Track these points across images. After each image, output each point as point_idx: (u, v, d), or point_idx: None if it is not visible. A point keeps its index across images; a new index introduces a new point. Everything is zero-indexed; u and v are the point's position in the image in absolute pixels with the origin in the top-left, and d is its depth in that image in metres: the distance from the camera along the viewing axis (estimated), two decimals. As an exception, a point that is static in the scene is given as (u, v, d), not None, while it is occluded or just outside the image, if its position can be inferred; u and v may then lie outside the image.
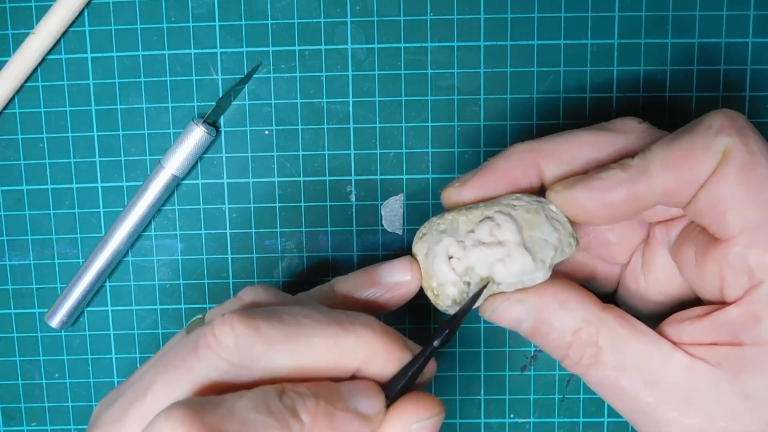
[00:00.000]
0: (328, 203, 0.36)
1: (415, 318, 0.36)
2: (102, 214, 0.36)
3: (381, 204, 0.36)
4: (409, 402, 0.25)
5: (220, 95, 0.35)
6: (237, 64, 0.35)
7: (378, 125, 0.35)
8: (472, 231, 0.27)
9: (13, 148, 0.36)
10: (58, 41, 0.35)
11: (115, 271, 0.36)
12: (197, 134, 0.34)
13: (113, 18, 0.35)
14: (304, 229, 0.36)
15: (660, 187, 0.25)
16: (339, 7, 0.35)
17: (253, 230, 0.36)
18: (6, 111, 0.36)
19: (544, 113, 0.35)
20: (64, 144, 0.36)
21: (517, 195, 0.28)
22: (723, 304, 0.25)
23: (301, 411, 0.23)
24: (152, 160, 0.36)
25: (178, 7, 0.35)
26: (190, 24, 0.35)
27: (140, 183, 0.35)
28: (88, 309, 0.37)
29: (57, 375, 0.37)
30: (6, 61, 0.35)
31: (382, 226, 0.36)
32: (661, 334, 0.26)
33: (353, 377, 0.26)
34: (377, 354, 0.25)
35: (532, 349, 0.36)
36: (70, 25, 0.35)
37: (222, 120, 0.35)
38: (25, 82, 0.35)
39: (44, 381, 0.37)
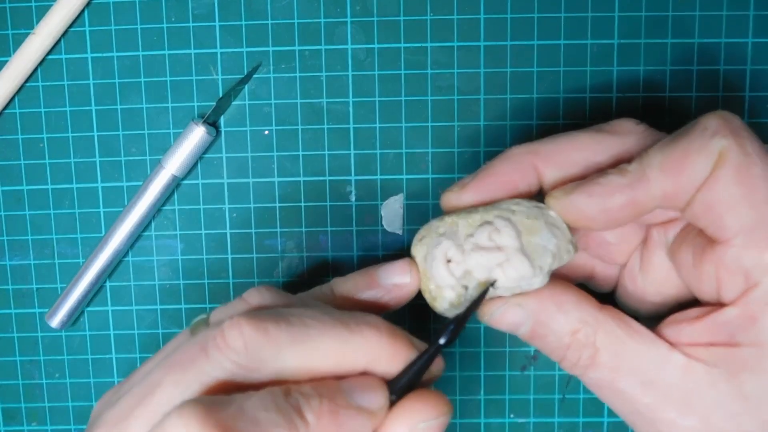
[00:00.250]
0: (328, 203, 0.36)
1: (415, 318, 0.36)
2: (102, 214, 0.36)
3: (381, 204, 0.36)
4: (416, 400, 0.25)
5: (220, 95, 0.35)
6: (237, 64, 0.35)
7: (378, 125, 0.35)
8: (471, 235, 0.27)
9: (13, 148, 0.36)
10: (58, 41, 0.35)
11: (115, 271, 0.36)
12: (197, 134, 0.34)
13: (113, 18, 0.35)
14: (304, 229, 0.36)
15: (658, 192, 0.25)
16: (339, 7, 0.35)
17: (253, 230, 0.36)
18: (6, 111, 0.36)
19: (544, 113, 0.35)
20: (64, 144, 0.36)
21: (517, 200, 0.28)
22: (720, 305, 0.25)
23: (306, 411, 0.23)
24: (152, 160, 0.36)
25: (178, 7, 0.35)
26: (190, 24, 0.35)
27: (140, 183, 0.35)
28: (89, 309, 0.37)
29: (57, 375, 0.37)
30: (6, 61, 0.35)
31: (382, 226, 0.36)
32: (659, 335, 0.26)
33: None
34: (384, 354, 0.25)
35: (532, 349, 0.36)
36: (71, 25, 0.35)
37: (222, 120, 0.35)
38: (25, 82, 0.35)
39: (44, 381, 0.37)
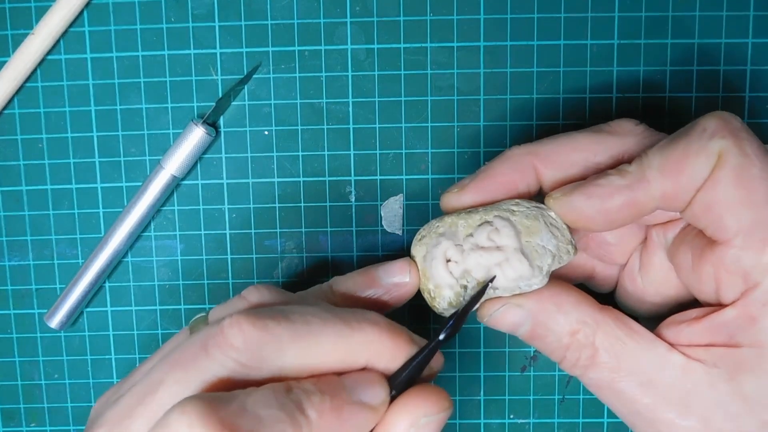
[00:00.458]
0: (327, 203, 0.36)
1: (414, 318, 0.36)
2: (101, 214, 0.36)
3: (381, 204, 0.36)
4: (417, 395, 0.25)
5: (220, 95, 0.35)
6: (237, 65, 0.35)
7: (378, 125, 0.35)
8: (471, 235, 0.27)
9: (12, 148, 0.36)
10: (57, 42, 0.35)
11: (114, 271, 0.36)
12: (197, 134, 0.34)
13: (113, 18, 0.35)
14: (303, 230, 0.36)
15: (658, 193, 0.25)
16: (339, 7, 0.35)
17: (253, 231, 0.36)
18: (6, 111, 0.36)
19: (543, 114, 0.35)
20: (64, 144, 0.36)
21: (517, 200, 0.28)
22: (719, 305, 0.25)
23: (307, 407, 0.23)
24: (152, 160, 0.36)
25: (178, 8, 0.35)
26: (190, 24, 0.35)
27: (140, 183, 0.35)
28: (88, 309, 0.37)
29: (56, 375, 0.37)
30: (5, 62, 0.35)
31: (382, 226, 0.36)
32: (659, 335, 0.26)
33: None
34: (384, 350, 0.25)
35: (532, 349, 0.36)
36: (70, 26, 0.35)
37: (222, 120, 0.35)
38: (25, 82, 0.35)
39: (43, 381, 0.37)
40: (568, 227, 0.27)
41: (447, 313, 0.28)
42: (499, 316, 0.28)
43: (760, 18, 0.34)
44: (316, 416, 0.23)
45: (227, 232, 0.36)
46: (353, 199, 0.36)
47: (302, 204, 0.36)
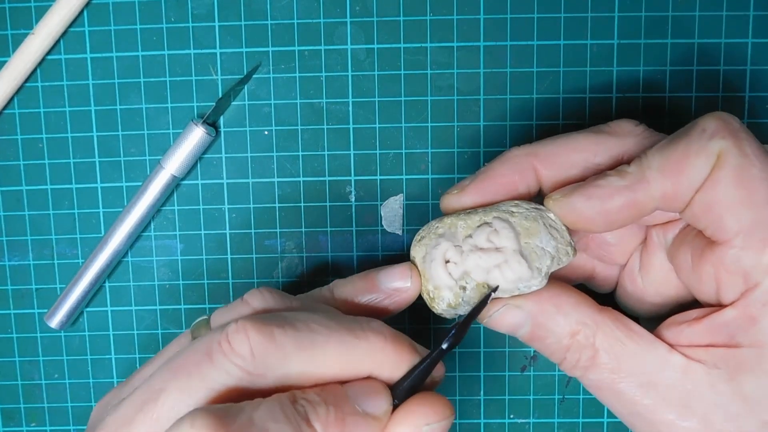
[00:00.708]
0: (327, 203, 0.36)
1: (415, 319, 0.36)
2: (101, 214, 0.36)
3: (381, 204, 0.36)
4: (419, 403, 0.25)
5: (220, 95, 0.35)
6: (237, 65, 0.35)
7: (378, 125, 0.35)
8: (470, 236, 0.27)
9: (12, 148, 0.36)
10: (57, 42, 0.35)
11: (114, 271, 0.36)
12: (197, 134, 0.34)
13: (113, 18, 0.35)
14: (303, 230, 0.36)
15: (657, 193, 0.25)
16: (339, 7, 0.35)
17: (253, 230, 0.36)
18: (6, 111, 0.36)
19: (543, 114, 0.35)
20: (64, 144, 0.36)
21: (516, 201, 0.28)
22: (719, 306, 0.25)
23: (313, 419, 0.23)
24: (152, 160, 0.36)
25: (178, 8, 0.35)
26: (190, 24, 0.35)
27: (140, 183, 0.35)
28: (88, 309, 0.37)
29: (56, 375, 0.37)
30: (5, 62, 0.35)
31: (382, 226, 0.36)
32: (659, 336, 0.26)
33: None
34: (388, 360, 0.25)
35: (532, 349, 0.36)
36: (70, 26, 0.35)
37: (222, 120, 0.35)
38: (25, 82, 0.35)
39: (43, 381, 0.37)
40: (568, 229, 0.27)
41: (446, 315, 0.28)
42: (498, 317, 0.28)
43: (760, 18, 0.34)
44: (321, 428, 0.23)
45: (227, 232, 0.36)
46: (353, 199, 0.36)
47: (302, 204, 0.36)
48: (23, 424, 0.37)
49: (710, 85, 0.34)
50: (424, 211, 0.36)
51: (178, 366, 0.25)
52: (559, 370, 0.36)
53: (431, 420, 0.25)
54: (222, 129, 0.35)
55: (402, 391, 0.25)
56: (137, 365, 0.37)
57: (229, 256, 0.36)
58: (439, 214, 0.30)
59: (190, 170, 0.35)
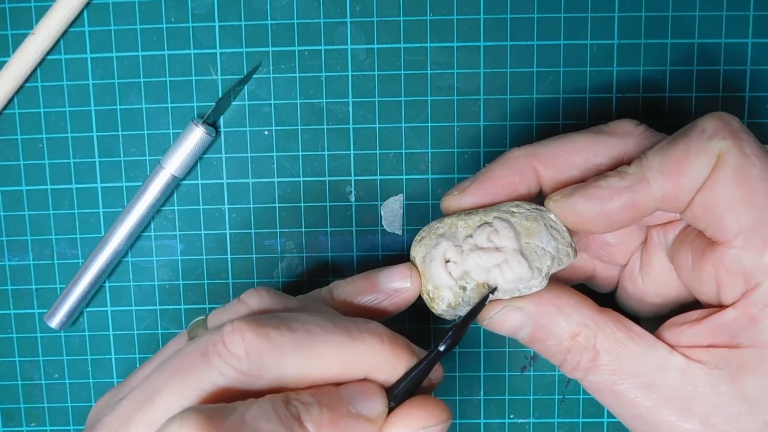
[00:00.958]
0: (327, 203, 0.36)
1: (414, 320, 0.36)
2: (101, 214, 0.36)
3: (381, 204, 0.36)
4: (415, 406, 0.25)
5: (220, 95, 0.35)
6: (237, 65, 0.35)
7: (378, 125, 0.35)
8: (470, 236, 0.27)
9: (12, 148, 0.36)
10: (57, 41, 0.35)
11: (114, 271, 0.36)
12: (197, 134, 0.34)
13: (113, 18, 0.35)
14: (303, 230, 0.36)
15: (658, 194, 0.25)
16: (339, 7, 0.35)
17: (253, 231, 0.36)
18: (6, 111, 0.36)
19: (543, 114, 0.35)
20: (64, 144, 0.36)
21: (517, 202, 0.28)
22: (720, 306, 0.25)
23: (306, 420, 0.23)
24: (152, 160, 0.36)
25: (178, 8, 0.35)
26: (190, 24, 0.35)
27: (140, 183, 0.35)
28: (88, 309, 0.37)
29: (56, 375, 0.37)
30: (5, 62, 0.35)
31: (382, 226, 0.36)
32: (659, 337, 0.26)
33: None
34: (385, 362, 0.25)
35: (532, 350, 0.36)
36: (70, 26, 0.35)
37: (222, 120, 0.35)
38: (25, 82, 0.35)
39: (43, 381, 0.37)
40: (568, 230, 0.27)
41: (446, 315, 0.28)
42: (499, 318, 0.27)
43: (760, 18, 0.34)
44: (314, 429, 0.23)
45: (227, 232, 0.36)
46: (353, 199, 0.36)
47: (302, 204, 0.36)
48: (23, 424, 0.37)
49: (710, 85, 0.34)
50: (424, 211, 0.36)
51: (174, 367, 0.25)
52: (559, 370, 0.36)
53: (428, 423, 0.25)
54: (222, 129, 0.35)
55: (398, 394, 0.25)
56: (137, 365, 0.37)
57: (229, 256, 0.36)
58: (438, 214, 0.30)
59: (190, 170, 0.35)
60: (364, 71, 0.35)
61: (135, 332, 0.37)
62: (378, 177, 0.36)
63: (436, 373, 0.27)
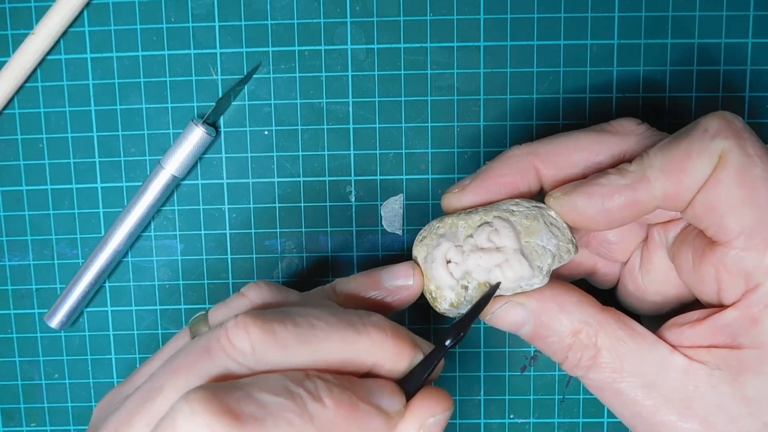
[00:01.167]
0: (327, 203, 0.36)
1: (415, 318, 0.36)
2: (102, 214, 0.36)
3: (381, 204, 0.36)
4: (424, 398, 0.25)
5: (220, 95, 0.35)
6: (237, 65, 0.35)
7: (378, 125, 0.35)
8: (471, 236, 0.27)
9: (12, 148, 0.36)
10: (57, 41, 0.35)
11: (114, 271, 0.36)
12: (197, 134, 0.34)
13: (113, 18, 0.35)
14: (303, 230, 0.36)
15: (659, 192, 0.25)
16: (339, 7, 0.35)
17: (253, 230, 0.36)
18: (6, 111, 0.36)
19: (544, 114, 0.35)
20: (64, 144, 0.36)
21: (517, 200, 0.28)
22: (721, 306, 0.25)
23: (324, 395, 0.23)
24: (152, 160, 0.36)
25: (178, 8, 0.35)
26: (190, 24, 0.35)
27: (140, 183, 0.35)
28: (88, 309, 0.37)
29: (56, 375, 0.37)
30: (5, 62, 0.35)
31: (382, 226, 0.36)
32: (660, 337, 0.26)
33: (366, 375, 0.26)
34: (389, 355, 0.25)
35: (532, 349, 0.36)
36: (70, 26, 0.35)
37: (222, 120, 0.35)
38: (25, 82, 0.35)
39: (44, 381, 0.37)
40: (569, 226, 0.27)
41: (449, 314, 0.28)
42: (501, 314, 0.28)
43: (760, 18, 0.34)
44: (332, 405, 0.23)
45: (227, 232, 0.36)
46: (353, 199, 0.36)
47: (302, 204, 0.36)
48: (23, 424, 0.37)
49: (710, 85, 0.34)
50: (424, 211, 0.36)
51: (178, 364, 0.25)
52: (559, 370, 0.36)
53: (435, 412, 0.25)
54: (222, 129, 0.35)
55: (409, 392, 0.25)
56: (137, 365, 0.37)
57: (229, 256, 0.36)
58: (439, 213, 0.30)
59: (190, 170, 0.35)
60: (364, 71, 0.35)
61: (135, 332, 0.37)
62: (378, 177, 0.36)
63: (437, 366, 0.27)
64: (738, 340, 0.24)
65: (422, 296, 0.29)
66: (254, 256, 0.36)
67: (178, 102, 0.35)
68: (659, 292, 0.29)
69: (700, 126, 0.25)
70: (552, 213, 0.27)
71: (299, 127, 0.35)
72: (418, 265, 0.29)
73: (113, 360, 0.37)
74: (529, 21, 0.34)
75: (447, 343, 0.26)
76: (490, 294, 0.27)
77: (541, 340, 0.27)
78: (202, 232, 0.36)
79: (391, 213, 0.36)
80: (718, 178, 0.24)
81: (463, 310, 0.28)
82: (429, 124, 0.35)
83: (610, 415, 0.36)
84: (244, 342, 0.24)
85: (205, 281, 0.36)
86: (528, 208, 0.27)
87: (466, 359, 0.36)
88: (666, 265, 0.29)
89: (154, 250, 0.36)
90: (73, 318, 0.36)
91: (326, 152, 0.35)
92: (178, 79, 0.35)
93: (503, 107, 0.35)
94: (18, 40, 0.35)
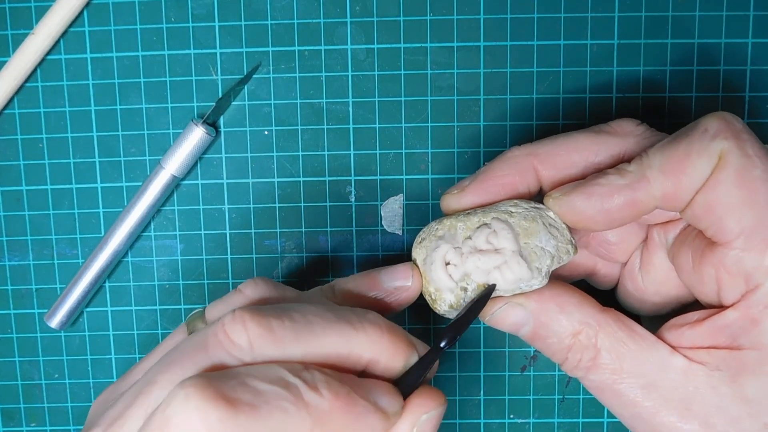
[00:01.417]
0: (327, 203, 0.36)
1: (415, 319, 0.36)
2: (101, 214, 0.36)
3: (380, 204, 0.36)
4: (418, 397, 0.25)
5: (220, 95, 0.35)
6: (237, 65, 0.35)
7: (378, 125, 0.35)
8: (470, 238, 0.27)
9: (12, 148, 0.36)
10: (57, 41, 0.35)
11: (114, 271, 0.36)
12: (197, 134, 0.34)
13: (113, 18, 0.35)
14: (303, 230, 0.36)
15: (658, 193, 0.25)
16: (339, 7, 0.35)
17: (253, 230, 0.36)
18: (6, 111, 0.36)
19: (543, 113, 0.35)
20: (64, 144, 0.36)
21: (515, 201, 0.28)
22: (720, 307, 0.25)
23: (321, 386, 0.23)
24: (152, 160, 0.36)
25: (178, 8, 0.35)
26: (190, 24, 0.35)
27: (140, 183, 0.35)
28: (88, 309, 0.37)
29: (56, 375, 0.37)
30: (5, 62, 0.35)
31: (382, 226, 0.36)
32: (660, 338, 0.26)
33: (362, 375, 0.26)
34: (384, 352, 0.26)
35: (532, 349, 0.36)
36: (70, 26, 0.35)
37: (222, 120, 0.35)
38: (25, 82, 0.35)
39: (43, 381, 0.37)
40: (568, 227, 0.27)
41: (448, 316, 0.28)
42: (500, 315, 0.28)
43: (760, 18, 0.34)
44: (330, 396, 0.23)
45: (227, 232, 0.36)
46: (353, 199, 0.36)
47: (302, 204, 0.36)
48: (23, 424, 0.37)
49: (710, 85, 0.34)
50: (424, 211, 0.36)
51: (174, 359, 0.25)
52: (559, 370, 0.36)
53: (428, 409, 0.25)
54: (222, 129, 0.35)
55: (405, 392, 0.26)
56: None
57: (229, 256, 0.36)
58: (439, 214, 0.30)
59: (190, 170, 0.35)
60: (364, 71, 0.35)
61: (135, 332, 0.37)
62: (378, 177, 0.36)
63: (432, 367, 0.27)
64: (738, 340, 0.24)
65: (422, 297, 0.29)
66: (254, 256, 0.36)
67: (178, 102, 0.35)
68: (659, 293, 0.29)
69: (700, 126, 0.25)
70: (551, 214, 0.27)
71: (299, 127, 0.35)
72: (418, 266, 0.29)
73: (113, 360, 0.37)
74: (529, 21, 0.34)
75: (442, 344, 0.26)
76: (485, 296, 0.27)
77: (541, 341, 0.27)
78: (202, 232, 0.36)
79: (391, 213, 0.36)
80: (717, 178, 0.24)
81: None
82: (429, 124, 0.35)
83: (610, 415, 0.36)
84: (242, 337, 0.24)
85: (205, 281, 0.36)
86: (527, 209, 0.27)
87: (466, 359, 0.36)
88: (666, 265, 0.29)
89: (154, 250, 0.36)
90: (73, 318, 0.36)
91: (326, 152, 0.35)
92: (178, 79, 0.35)
93: (503, 107, 0.35)
94: (18, 40, 0.35)
